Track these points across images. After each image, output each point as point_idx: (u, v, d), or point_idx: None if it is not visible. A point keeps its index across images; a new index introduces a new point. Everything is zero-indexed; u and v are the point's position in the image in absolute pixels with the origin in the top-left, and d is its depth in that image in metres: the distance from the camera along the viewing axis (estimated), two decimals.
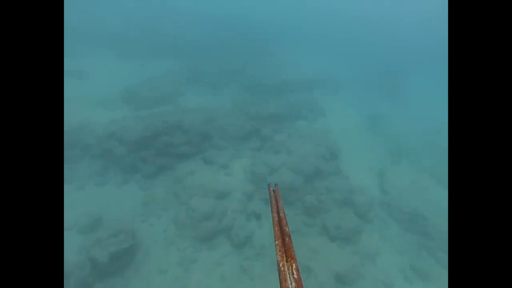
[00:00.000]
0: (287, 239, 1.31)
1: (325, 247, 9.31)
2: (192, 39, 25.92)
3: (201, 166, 11.68)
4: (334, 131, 15.87)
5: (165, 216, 9.81)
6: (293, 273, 1.10)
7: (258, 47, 26.17)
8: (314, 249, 9.08)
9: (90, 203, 9.63)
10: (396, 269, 9.47)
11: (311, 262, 8.51)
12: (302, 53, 28.66)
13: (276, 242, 1.29)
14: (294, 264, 1.14)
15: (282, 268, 1.12)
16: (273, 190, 1.90)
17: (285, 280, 1.06)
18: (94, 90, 15.67)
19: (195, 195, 9.99)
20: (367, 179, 12.96)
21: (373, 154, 15.16)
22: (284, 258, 1.18)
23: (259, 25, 34.96)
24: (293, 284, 1.05)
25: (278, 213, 1.58)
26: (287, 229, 1.40)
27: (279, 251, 1.23)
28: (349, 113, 19.40)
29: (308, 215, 10.52)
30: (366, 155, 14.89)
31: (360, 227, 10.18)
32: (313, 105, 17.51)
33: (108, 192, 10.29)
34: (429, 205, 11.62)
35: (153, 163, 11.28)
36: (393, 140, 16.71)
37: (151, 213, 9.88)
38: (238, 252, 9.17)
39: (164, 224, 9.55)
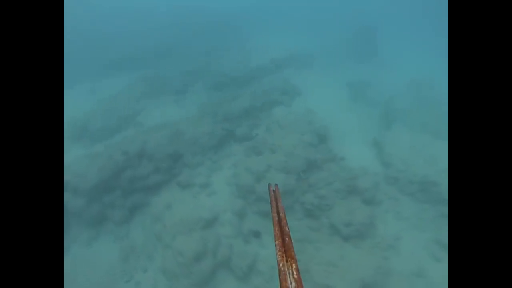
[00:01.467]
0: (287, 239, 1.29)
1: (340, 252, 8.05)
2: (142, 44, 23.14)
3: (178, 194, 10.05)
4: (316, 110, 14.37)
5: (151, 267, 8.28)
6: (293, 273, 1.10)
7: (218, 38, 23.86)
8: (328, 259, 7.80)
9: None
10: (423, 250, 8.42)
11: (330, 278, 7.24)
12: (267, 34, 26.35)
13: (276, 242, 1.29)
14: (294, 264, 1.14)
15: (282, 268, 1.13)
16: (273, 190, 1.85)
17: (285, 280, 1.06)
18: None
19: (179, 233, 8.44)
20: (364, 156, 11.70)
21: (363, 124, 13.89)
22: (284, 258, 1.18)
23: (214, 13, 31.58)
24: (293, 284, 1.05)
25: (278, 213, 1.55)
26: (287, 229, 1.38)
27: (279, 251, 1.22)
28: (326, 85, 17.90)
29: (312, 218, 9.22)
30: (356, 128, 13.61)
31: (372, 215, 8.96)
32: (286, 86, 15.87)
33: (74, 257, 8.60)
34: (435, 167, 10.50)
35: (122, 205, 9.58)
36: (380, 104, 15.45)
37: (134, 268, 8.33)
38: (245, 285, 7.84)
39: (153, 277, 8.04)
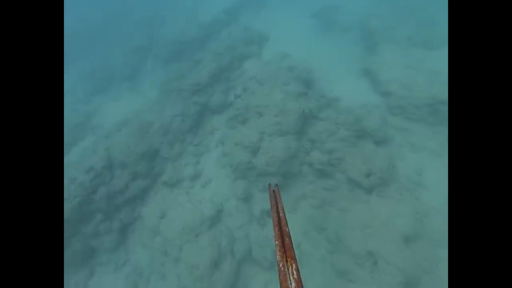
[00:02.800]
0: (287, 239, 1.29)
1: (367, 208, 7.16)
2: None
3: (168, 196, 8.59)
4: (290, 52, 12.51)
5: None
6: (293, 273, 1.09)
7: (151, 3, 20.03)
8: (358, 220, 6.90)
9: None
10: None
11: (369, 242, 6.38)
12: None
13: (276, 242, 1.28)
14: (294, 264, 1.13)
15: (282, 268, 1.12)
16: (273, 190, 1.87)
17: (285, 280, 1.05)
18: None
19: (185, 242, 7.20)
20: (359, 91, 10.39)
21: (346, 55, 12.32)
22: (284, 258, 1.17)
23: None
24: (293, 284, 1.04)
25: (278, 213, 1.55)
26: (287, 229, 1.38)
27: (279, 251, 1.22)
28: (291, 21, 15.69)
29: (325, 177, 8.14)
30: (340, 61, 12.06)
31: (388, 155, 7.97)
32: (249, 35, 13.58)
33: None
34: (439, 83, 9.38)
35: (109, 229, 8.09)
36: (356, 27, 13.70)
37: None
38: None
39: None
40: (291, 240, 1.29)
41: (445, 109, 8.66)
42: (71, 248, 7.62)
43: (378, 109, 9.36)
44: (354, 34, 13.83)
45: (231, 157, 8.66)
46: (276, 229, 1.39)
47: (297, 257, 1.15)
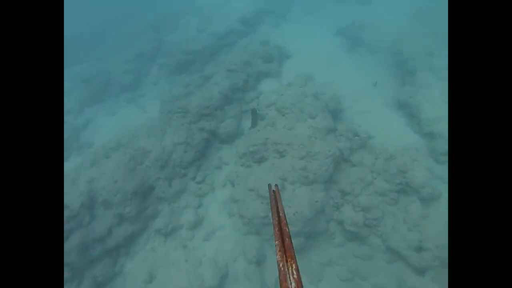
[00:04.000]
0: (287, 239, 1.28)
1: None
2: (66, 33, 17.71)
3: (160, 248, 6.89)
4: (313, 74, 10.94)
5: None
6: (293, 273, 1.08)
7: (164, 6, 18.58)
8: None
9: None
10: None
11: None
12: None
13: (276, 242, 1.28)
14: (294, 264, 1.12)
15: (282, 268, 1.11)
16: (273, 190, 1.87)
17: (285, 280, 1.05)
18: None
19: None
20: (396, 127, 8.77)
21: (378, 81, 10.72)
22: (284, 258, 1.16)
23: None
24: (293, 284, 1.04)
25: (278, 213, 1.54)
26: (287, 229, 1.36)
27: (279, 251, 1.21)
28: (314, 38, 14.17)
29: (358, 240, 6.49)
30: (371, 89, 10.49)
31: (444, 222, 6.28)
32: (267, 50, 12.01)
33: None
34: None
35: None
36: (386, 47, 12.17)
37: None
38: None
39: None
40: (291, 240, 1.27)
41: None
42: None
43: (421, 155, 7.72)
44: (384, 57, 12.29)
45: (243, 205, 6.98)
46: (276, 229, 1.38)
47: None
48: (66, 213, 6.71)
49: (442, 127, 8.24)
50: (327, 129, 7.73)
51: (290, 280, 1.06)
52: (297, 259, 1.15)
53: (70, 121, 10.81)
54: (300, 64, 11.89)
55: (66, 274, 6.22)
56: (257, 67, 11.04)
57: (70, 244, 6.42)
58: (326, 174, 6.90)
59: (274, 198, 1.74)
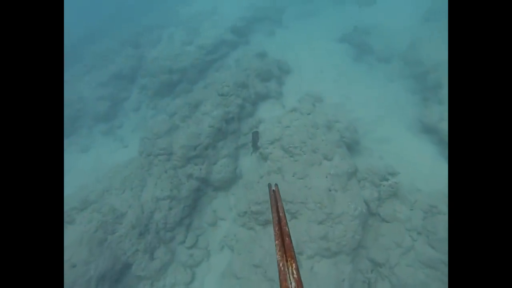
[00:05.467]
0: (287, 238, 1.27)
1: None
2: None
3: None
4: (321, 93, 9.33)
5: None
6: (293, 273, 1.09)
7: (142, 17, 16.74)
8: None
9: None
10: None
11: None
12: None
13: (276, 242, 1.27)
14: (294, 264, 1.12)
15: (282, 268, 1.11)
16: (273, 190, 1.87)
17: (285, 280, 1.05)
18: None
19: None
20: (426, 159, 7.17)
21: (393, 97, 9.18)
22: (284, 258, 1.16)
23: None
24: (293, 284, 1.04)
25: (278, 212, 1.55)
26: (287, 229, 1.36)
27: (279, 251, 1.21)
28: (316, 44, 12.55)
29: None
30: (387, 107, 8.96)
31: None
32: (263, 65, 10.32)
33: None
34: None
35: None
36: (399, 55, 10.62)
37: None
38: None
39: None
40: (291, 239, 1.26)
41: None
42: None
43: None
44: (398, 67, 10.74)
45: (246, 283, 5.35)
46: (276, 228, 1.38)
47: None
48: None
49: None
50: (347, 174, 6.11)
51: (290, 280, 1.04)
52: None
53: None
54: (303, 80, 10.27)
55: None
56: (253, 88, 9.38)
57: None
58: (353, 241, 5.30)
59: (274, 197, 1.74)
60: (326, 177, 5.86)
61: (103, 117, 10.36)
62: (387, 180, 6.14)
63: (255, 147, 7.50)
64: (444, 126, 7.61)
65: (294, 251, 1.19)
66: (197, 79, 11.17)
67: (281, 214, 1.50)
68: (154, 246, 6.06)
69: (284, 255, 1.17)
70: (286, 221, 1.44)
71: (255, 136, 7.72)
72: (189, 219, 6.74)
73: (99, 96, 10.64)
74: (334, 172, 5.94)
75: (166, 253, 6.14)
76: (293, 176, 6.06)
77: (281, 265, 1.13)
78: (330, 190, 5.68)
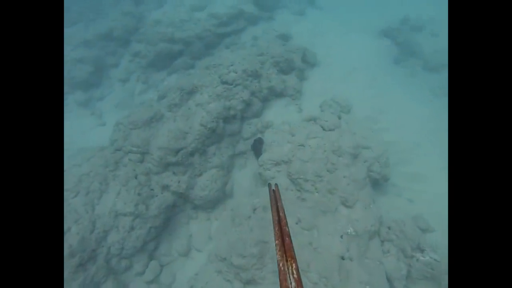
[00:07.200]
0: (287, 239, 1.26)
1: None
2: None
3: None
4: (351, 99, 7.44)
5: None
6: (293, 273, 1.06)
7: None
8: None
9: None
10: None
11: None
12: None
13: (276, 242, 1.25)
14: (294, 264, 1.10)
15: (282, 268, 1.09)
16: (273, 189, 1.81)
17: (285, 280, 1.02)
18: None
19: None
20: None
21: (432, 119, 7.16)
22: (284, 258, 1.14)
23: None
24: (293, 284, 1.01)
25: (278, 212, 1.52)
26: (287, 229, 1.34)
27: (279, 251, 1.19)
28: (350, 35, 10.36)
29: None
30: (437, 132, 7.08)
31: None
32: (285, 51, 8.30)
33: None
34: None
35: None
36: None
37: None
38: None
39: None
40: (291, 239, 1.24)
41: None
42: None
43: None
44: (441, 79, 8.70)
45: None
46: (276, 228, 1.35)
47: None
48: None
49: None
50: (369, 234, 4.44)
51: (290, 280, 1.03)
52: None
53: None
54: (330, 79, 8.28)
55: None
56: (267, 80, 7.47)
57: None
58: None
59: (274, 197, 1.71)
60: (341, 237, 4.21)
61: (82, 84, 8.59)
62: (422, 251, 4.45)
63: (258, 155, 5.90)
64: None
65: (294, 251, 1.17)
66: (202, 54, 9.23)
67: (281, 214, 1.49)
68: (98, 280, 4.60)
69: (284, 255, 1.16)
70: (286, 221, 1.42)
71: (258, 144, 6.10)
72: (155, 242, 5.23)
73: (81, 57, 8.77)
74: (353, 231, 4.28)
75: None
76: (297, 223, 4.40)
77: (281, 265, 1.12)
78: (343, 259, 4.05)
